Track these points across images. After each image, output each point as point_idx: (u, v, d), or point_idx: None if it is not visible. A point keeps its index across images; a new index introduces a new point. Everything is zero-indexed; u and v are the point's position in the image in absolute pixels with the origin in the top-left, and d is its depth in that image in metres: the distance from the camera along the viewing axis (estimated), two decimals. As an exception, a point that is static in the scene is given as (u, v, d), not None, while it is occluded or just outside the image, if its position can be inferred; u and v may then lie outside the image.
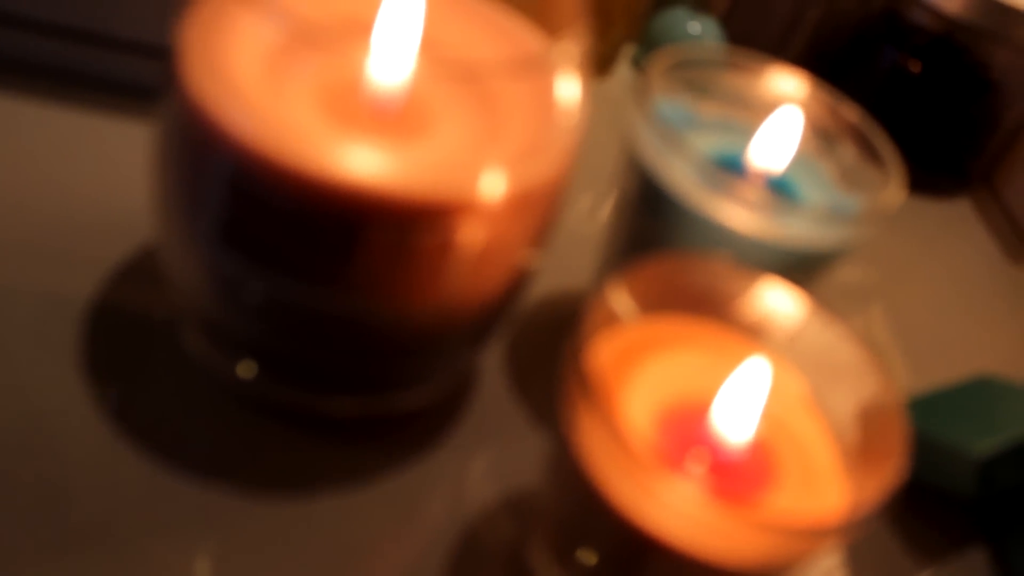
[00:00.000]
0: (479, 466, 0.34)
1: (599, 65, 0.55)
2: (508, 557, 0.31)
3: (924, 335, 0.49)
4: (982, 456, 0.34)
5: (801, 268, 0.34)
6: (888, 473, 0.25)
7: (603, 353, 0.28)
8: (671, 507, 0.24)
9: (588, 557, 0.28)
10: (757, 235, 0.33)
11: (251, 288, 0.29)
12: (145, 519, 0.29)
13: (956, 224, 0.57)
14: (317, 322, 0.29)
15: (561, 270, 0.40)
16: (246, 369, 0.31)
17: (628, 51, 0.58)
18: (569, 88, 0.29)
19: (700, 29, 0.55)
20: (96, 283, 0.34)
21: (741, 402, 0.27)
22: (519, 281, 0.31)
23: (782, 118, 0.35)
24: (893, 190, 0.34)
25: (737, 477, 0.27)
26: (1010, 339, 0.51)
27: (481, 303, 0.31)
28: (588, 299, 0.26)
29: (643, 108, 0.33)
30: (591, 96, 0.30)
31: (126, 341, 0.33)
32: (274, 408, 0.33)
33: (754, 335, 0.30)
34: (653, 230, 0.34)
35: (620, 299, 0.28)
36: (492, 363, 0.37)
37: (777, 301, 0.29)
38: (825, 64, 0.58)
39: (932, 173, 0.58)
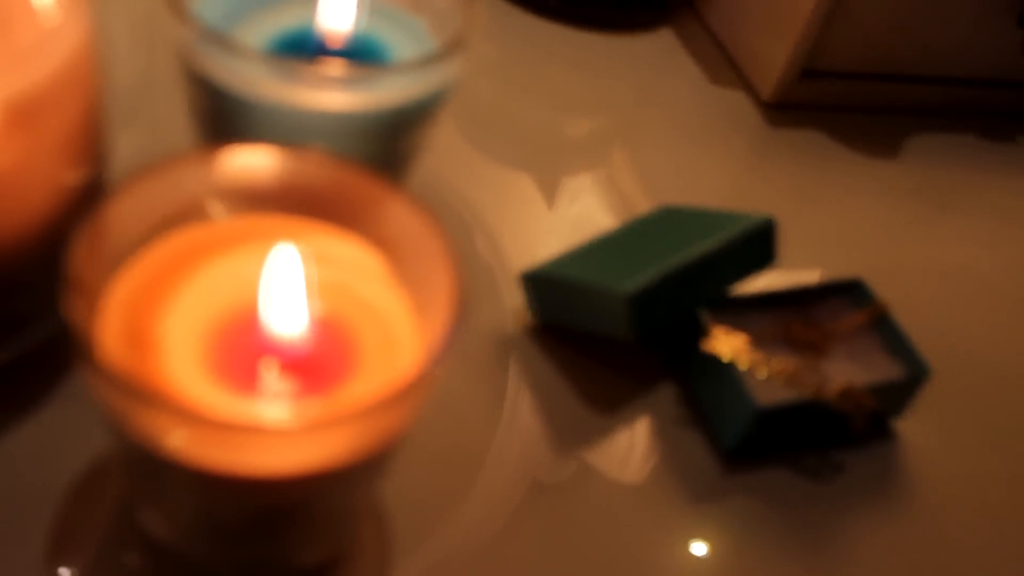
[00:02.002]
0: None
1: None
2: (121, 512, 0.29)
3: (663, 172, 0.48)
4: (628, 294, 0.33)
5: (403, 126, 0.32)
6: (444, 329, 0.23)
7: (139, 269, 0.25)
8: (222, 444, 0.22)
9: (182, 509, 0.25)
10: (344, 108, 0.30)
11: None
12: None
13: (665, 57, 0.56)
14: None
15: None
16: None
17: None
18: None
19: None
20: None
21: (301, 294, 0.25)
22: (74, 202, 0.28)
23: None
24: (468, 26, 0.31)
25: (317, 371, 0.25)
26: (738, 162, 0.50)
27: (34, 234, 0.27)
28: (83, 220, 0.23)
29: (179, 15, 0.29)
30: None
31: None
32: None
33: (325, 219, 0.27)
34: (235, 132, 0.31)
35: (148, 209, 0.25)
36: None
37: (343, 182, 0.27)
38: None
39: (632, 9, 0.56)
